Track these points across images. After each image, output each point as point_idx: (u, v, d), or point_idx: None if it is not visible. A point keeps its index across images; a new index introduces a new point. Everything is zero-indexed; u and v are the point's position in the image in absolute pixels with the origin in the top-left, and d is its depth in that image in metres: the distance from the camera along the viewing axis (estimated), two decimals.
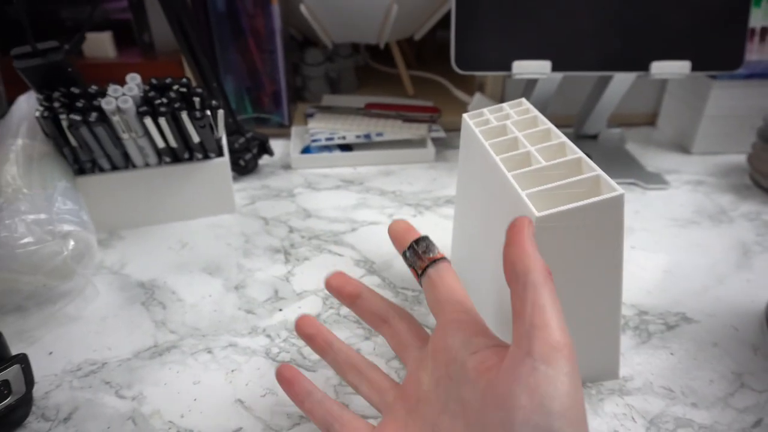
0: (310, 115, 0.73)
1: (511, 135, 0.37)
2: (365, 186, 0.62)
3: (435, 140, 0.70)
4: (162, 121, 0.47)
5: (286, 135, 0.73)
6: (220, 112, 0.49)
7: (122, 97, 0.45)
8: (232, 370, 0.39)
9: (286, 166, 0.67)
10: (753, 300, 0.45)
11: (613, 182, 0.30)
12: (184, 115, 0.47)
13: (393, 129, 0.69)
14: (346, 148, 0.68)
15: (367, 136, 0.68)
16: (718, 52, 0.58)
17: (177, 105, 0.46)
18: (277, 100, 0.73)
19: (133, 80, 0.47)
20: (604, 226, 0.30)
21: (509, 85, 0.74)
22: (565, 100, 0.72)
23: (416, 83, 0.84)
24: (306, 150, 0.68)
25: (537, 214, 0.29)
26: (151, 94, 0.47)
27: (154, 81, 0.48)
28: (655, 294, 0.46)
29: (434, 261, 0.32)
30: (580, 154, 0.33)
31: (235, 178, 0.64)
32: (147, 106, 0.46)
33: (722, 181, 0.63)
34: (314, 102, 0.80)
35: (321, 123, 0.70)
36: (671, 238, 0.53)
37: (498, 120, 0.40)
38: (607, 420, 0.35)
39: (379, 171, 0.66)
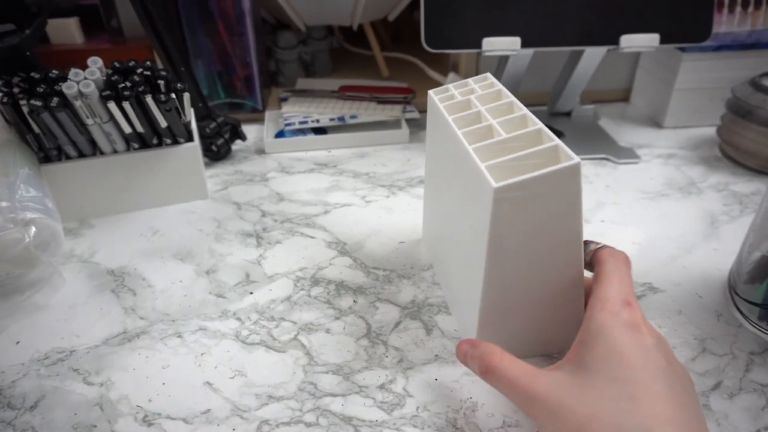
0: (284, 99, 0.72)
1: (475, 109, 0.37)
2: (339, 168, 0.62)
3: (409, 121, 0.70)
4: (126, 105, 0.46)
5: (261, 120, 0.72)
6: (186, 95, 0.48)
7: (84, 81, 0.44)
8: (202, 354, 0.39)
9: (260, 151, 0.66)
10: (719, 268, 0.45)
11: (570, 151, 0.30)
12: (149, 99, 0.46)
13: (367, 111, 0.69)
14: (320, 131, 0.68)
15: (341, 118, 0.68)
16: (686, 24, 0.59)
17: (141, 88, 0.46)
18: (249, 85, 0.72)
19: (95, 63, 0.46)
20: (563, 195, 0.31)
21: (483, 64, 0.74)
22: (539, 78, 0.72)
23: (392, 65, 0.83)
24: (280, 134, 0.68)
25: (494, 185, 0.29)
26: (114, 77, 0.46)
27: (116, 64, 0.47)
28: None
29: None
30: (540, 125, 0.33)
31: (207, 164, 0.63)
32: (110, 90, 0.46)
33: (693, 153, 0.64)
34: (288, 86, 0.79)
35: (295, 107, 0.70)
36: (641, 210, 0.53)
37: (463, 95, 0.40)
38: None
39: (354, 153, 0.66)
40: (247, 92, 0.72)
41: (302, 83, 0.78)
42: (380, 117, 0.68)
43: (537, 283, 0.34)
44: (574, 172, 0.30)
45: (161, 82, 0.47)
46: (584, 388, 0.27)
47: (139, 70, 0.47)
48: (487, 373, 0.31)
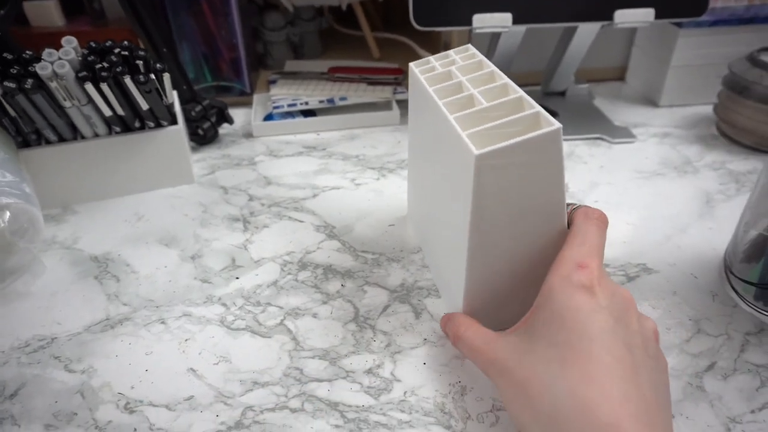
0: (273, 82, 0.71)
1: (456, 80, 0.36)
2: (328, 151, 0.61)
3: (400, 102, 0.68)
4: (104, 86, 0.44)
5: (249, 103, 0.71)
6: (166, 76, 0.47)
7: (58, 61, 0.43)
8: (186, 340, 0.38)
9: (248, 135, 0.65)
10: (714, 247, 0.44)
11: (551, 117, 0.29)
12: (128, 80, 0.45)
13: (357, 92, 0.67)
14: (309, 113, 0.67)
15: (331, 100, 0.66)
16: None
17: (119, 69, 0.44)
18: (236, 68, 0.70)
19: (69, 43, 0.44)
20: (545, 162, 0.30)
21: (475, 42, 0.72)
22: (533, 57, 0.70)
23: (383, 45, 0.81)
24: (268, 117, 0.66)
25: (476, 152, 0.28)
26: (91, 58, 0.45)
27: (93, 44, 0.45)
28: (617, 246, 0.45)
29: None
30: (521, 93, 0.32)
31: (194, 148, 0.62)
32: (87, 71, 0.44)
33: (689, 132, 0.62)
34: (277, 68, 0.78)
35: (283, 89, 0.68)
36: (635, 190, 0.52)
37: (443, 66, 0.39)
38: None
39: (343, 136, 0.64)
40: (234, 75, 0.71)
41: (291, 65, 0.76)
42: (370, 98, 0.67)
43: (522, 254, 0.33)
44: (555, 137, 0.29)
45: (140, 63, 0.45)
46: (527, 352, 0.28)
47: (117, 50, 0.45)
48: (456, 341, 0.33)
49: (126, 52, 0.46)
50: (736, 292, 0.39)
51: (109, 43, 0.46)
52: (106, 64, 0.44)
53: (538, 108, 0.30)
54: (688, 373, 0.34)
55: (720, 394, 0.33)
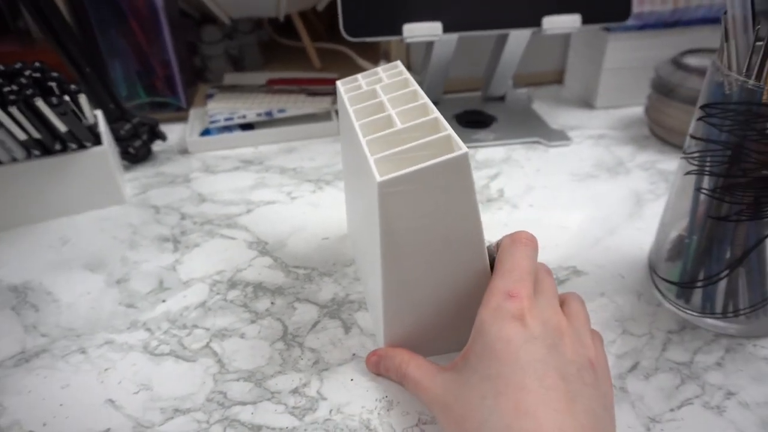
0: (210, 96, 0.69)
1: (378, 99, 0.36)
2: (265, 165, 0.60)
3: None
4: (14, 110, 0.43)
5: (186, 118, 0.69)
6: (83, 97, 0.45)
7: None
8: (106, 369, 0.37)
9: (184, 151, 0.63)
10: (641, 248, 0.45)
11: (460, 141, 0.29)
12: (40, 103, 0.43)
13: (296, 104, 0.67)
14: (248, 127, 0.66)
15: (269, 113, 0.65)
16: (607, 4, 0.58)
17: (29, 92, 0.42)
18: (171, 83, 0.69)
19: None
20: (454, 187, 0.29)
21: (414, 51, 0.72)
22: (472, 63, 0.71)
23: (325, 55, 0.81)
24: (206, 132, 0.65)
25: (378, 179, 0.28)
26: None
27: (1, 67, 0.44)
28: (549, 249, 0.45)
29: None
30: (437, 114, 0.32)
31: (127, 167, 0.60)
32: None
33: (623, 133, 0.64)
34: (216, 82, 0.76)
35: (221, 103, 0.67)
36: (569, 192, 0.53)
37: (369, 85, 0.38)
38: None
39: (282, 148, 0.63)
40: (169, 91, 0.69)
41: (230, 78, 0.75)
42: (309, 110, 0.66)
43: (440, 279, 0.32)
44: (462, 162, 0.29)
45: (53, 84, 0.44)
46: (463, 387, 0.28)
47: (27, 72, 0.43)
48: (402, 379, 0.33)
49: (38, 74, 0.44)
50: (660, 291, 0.40)
51: (19, 65, 0.44)
52: (15, 87, 0.42)
53: (450, 131, 0.30)
54: (612, 375, 0.34)
55: (641, 395, 0.33)
